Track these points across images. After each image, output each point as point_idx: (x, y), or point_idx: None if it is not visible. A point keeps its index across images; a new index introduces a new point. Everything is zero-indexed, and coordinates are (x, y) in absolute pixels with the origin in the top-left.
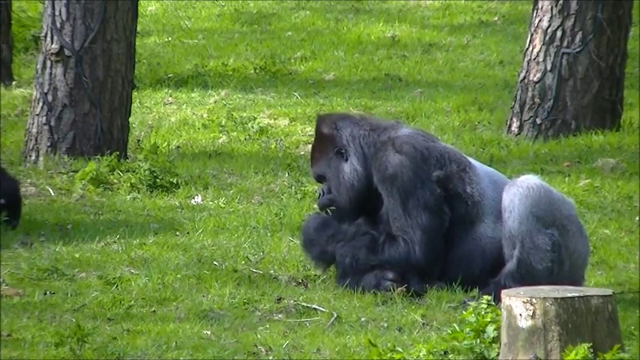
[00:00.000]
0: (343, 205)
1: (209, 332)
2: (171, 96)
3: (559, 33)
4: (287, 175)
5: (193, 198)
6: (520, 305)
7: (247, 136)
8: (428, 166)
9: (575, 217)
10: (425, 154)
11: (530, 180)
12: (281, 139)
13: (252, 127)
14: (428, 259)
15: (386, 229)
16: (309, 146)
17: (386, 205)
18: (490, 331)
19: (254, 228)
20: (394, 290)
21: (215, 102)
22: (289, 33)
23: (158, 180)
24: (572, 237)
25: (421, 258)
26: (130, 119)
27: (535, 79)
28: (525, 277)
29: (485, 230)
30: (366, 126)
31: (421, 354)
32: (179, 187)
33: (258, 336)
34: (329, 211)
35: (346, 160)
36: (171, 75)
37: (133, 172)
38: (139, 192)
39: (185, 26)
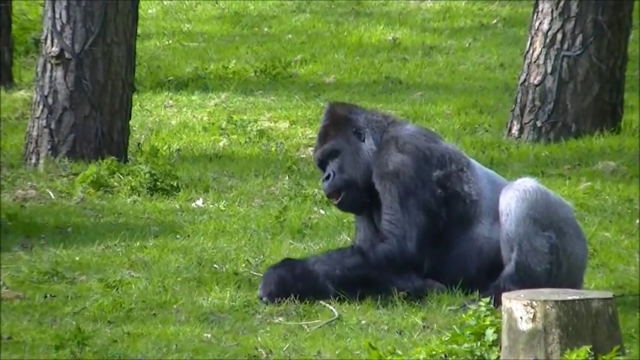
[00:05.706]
0: (358, 185)
1: (209, 335)
2: (171, 99)
3: (559, 36)
4: (287, 178)
5: (194, 201)
6: (521, 308)
7: (247, 139)
8: (429, 166)
9: (572, 219)
10: (427, 154)
11: (527, 183)
12: (281, 142)
13: (253, 130)
14: (421, 256)
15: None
16: (310, 149)
17: (382, 203)
18: (490, 334)
19: (254, 231)
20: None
21: (215, 105)
22: (289, 36)
23: (158, 183)
24: (569, 239)
25: (415, 253)
26: (131, 122)
27: (535, 81)
28: (524, 279)
29: (482, 231)
30: (378, 114)
31: (421, 357)
32: (179, 190)
33: (259, 339)
34: (339, 194)
35: (363, 140)
36: (171, 78)
37: (134, 175)
38: (139, 195)
39: (185, 29)
